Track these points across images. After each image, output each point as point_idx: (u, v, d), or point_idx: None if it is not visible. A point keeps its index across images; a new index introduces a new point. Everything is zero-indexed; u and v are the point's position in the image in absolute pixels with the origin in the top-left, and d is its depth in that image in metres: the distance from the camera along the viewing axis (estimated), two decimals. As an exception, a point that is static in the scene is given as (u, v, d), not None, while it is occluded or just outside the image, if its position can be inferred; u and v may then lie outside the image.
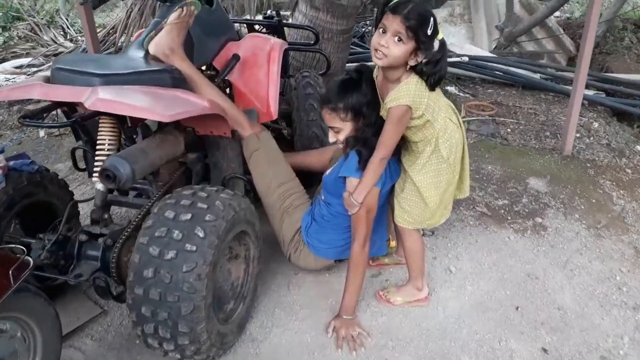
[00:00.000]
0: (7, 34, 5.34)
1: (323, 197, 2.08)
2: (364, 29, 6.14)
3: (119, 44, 4.59)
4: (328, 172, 2.07)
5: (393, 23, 1.62)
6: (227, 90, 2.54)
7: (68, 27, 5.30)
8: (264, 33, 3.01)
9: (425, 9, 1.65)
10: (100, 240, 1.82)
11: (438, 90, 1.80)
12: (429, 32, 1.62)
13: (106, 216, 1.86)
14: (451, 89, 4.79)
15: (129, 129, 1.85)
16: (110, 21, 5.44)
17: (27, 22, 5.33)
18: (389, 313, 2.06)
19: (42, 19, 5.32)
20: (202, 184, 2.33)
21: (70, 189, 2.21)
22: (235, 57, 2.38)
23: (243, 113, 2.17)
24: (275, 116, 2.41)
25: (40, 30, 5.15)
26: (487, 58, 5.05)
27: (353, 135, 1.88)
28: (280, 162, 2.19)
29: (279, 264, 2.28)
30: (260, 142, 2.15)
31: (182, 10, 2.02)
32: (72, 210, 2.00)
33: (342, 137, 1.91)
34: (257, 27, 3.06)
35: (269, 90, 2.39)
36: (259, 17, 4.87)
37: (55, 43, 4.93)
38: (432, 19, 1.63)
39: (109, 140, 1.83)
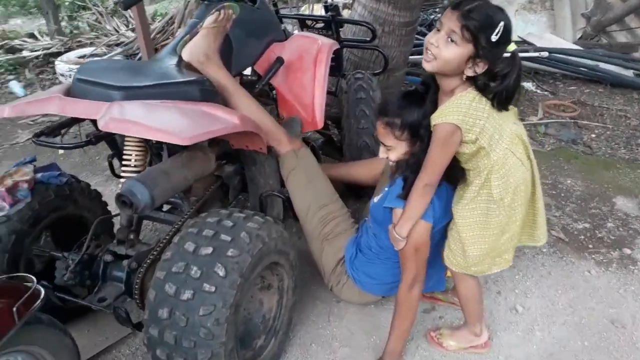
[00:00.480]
0: (73, 23, 5.45)
1: (370, 225, 1.83)
2: (432, 17, 5.71)
3: (176, 35, 4.52)
4: (376, 199, 1.81)
5: (450, 20, 1.34)
6: (273, 94, 2.35)
7: (131, 17, 5.30)
8: (318, 29, 2.78)
9: (497, 11, 1.35)
10: (125, 262, 1.69)
11: (508, 114, 1.48)
12: (494, 37, 1.32)
13: (132, 236, 1.73)
14: (528, 85, 4.34)
15: (155, 145, 1.69)
16: (172, 9, 5.39)
17: (92, 12, 5.41)
18: (440, 359, 1.80)
19: (106, 8, 5.38)
20: (240, 197, 2.18)
21: (105, 198, 2.11)
22: (279, 61, 2.16)
23: (282, 128, 1.95)
24: (320, 126, 2.19)
25: (105, 20, 5.20)
26: (570, 51, 4.51)
27: (405, 159, 1.62)
28: (321, 182, 1.96)
29: (320, 288, 2.07)
30: (298, 160, 1.92)
31: (220, 13, 1.83)
32: (102, 225, 1.88)
33: (393, 156, 1.65)
34: (309, 22, 2.82)
35: (315, 97, 2.16)
36: (319, 6, 4.63)
37: (117, 32, 4.95)
38: (502, 24, 1.32)
39: (136, 156, 1.69)
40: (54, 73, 4.50)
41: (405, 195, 1.55)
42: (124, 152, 1.70)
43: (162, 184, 1.53)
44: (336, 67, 2.60)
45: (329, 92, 2.49)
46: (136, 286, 1.60)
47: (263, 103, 2.25)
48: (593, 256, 2.28)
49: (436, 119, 1.44)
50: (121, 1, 1.77)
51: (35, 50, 4.82)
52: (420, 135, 1.56)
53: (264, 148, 1.85)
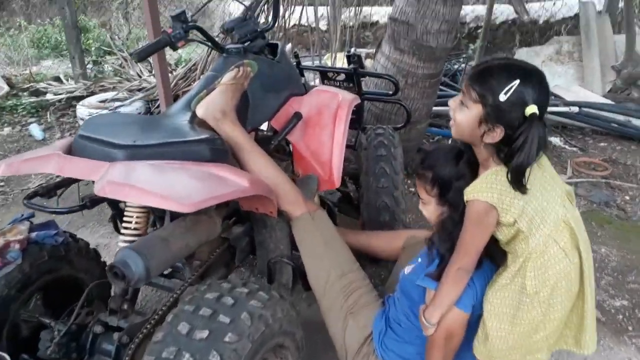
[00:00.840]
0: (98, 68, 5.54)
1: (398, 298, 1.65)
2: (456, 67, 5.65)
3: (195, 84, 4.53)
4: (407, 270, 1.63)
5: (464, 80, 1.28)
6: (289, 148, 2.24)
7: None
8: (339, 81, 2.70)
9: (516, 69, 1.22)
10: (116, 335, 1.54)
11: (556, 193, 1.31)
12: (502, 97, 1.19)
13: (126, 306, 1.59)
14: (555, 140, 4.17)
15: (157, 208, 1.57)
16: (195, 56, 5.45)
17: (116, 57, 5.49)
18: None
19: (130, 54, 5.46)
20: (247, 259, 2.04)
21: (112, 249, 1.99)
22: (297, 116, 2.06)
23: (297, 189, 1.83)
24: (337, 185, 2.06)
25: (128, 65, 5.27)
26: (600, 106, 4.36)
27: (436, 231, 1.47)
28: (340, 247, 1.79)
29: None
30: (314, 223, 1.77)
31: (239, 70, 1.76)
32: (97, 289, 1.75)
33: (426, 212, 1.55)
34: (330, 74, 2.74)
35: (333, 154, 2.04)
36: (341, 55, 4.60)
37: (140, 77, 4.99)
38: (515, 82, 1.18)
39: (137, 218, 1.57)
40: (75, 117, 4.52)
41: (437, 275, 1.39)
42: (125, 213, 1.58)
43: (160, 253, 1.40)
44: (356, 120, 2.50)
45: (347, 146, 2.39)
46: (125, 365, 1.45)
47: (278, 159, 2.14)
48: (634, 340, 2.05)
49: (469, 193, 1.29)
50: (135, 53, 1.71)
51: (59, 94, 4.87)
52: (448, 198, 1.44)
53: (274, 212, 1.72)
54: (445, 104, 4.72)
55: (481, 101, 1.22)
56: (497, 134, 1.23)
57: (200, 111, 1.71)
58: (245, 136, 1.76)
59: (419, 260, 1.58)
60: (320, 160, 2.08)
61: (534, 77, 1.22)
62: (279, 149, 2.20)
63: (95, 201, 1.38)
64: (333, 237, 1.81)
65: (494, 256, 1.39)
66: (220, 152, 1.57)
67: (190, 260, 1.76)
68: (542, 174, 1.30)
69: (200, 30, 1.83)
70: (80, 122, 4.39)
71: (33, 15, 8.17)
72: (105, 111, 4.36)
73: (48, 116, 4.63)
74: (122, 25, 7.05)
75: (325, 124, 2.09)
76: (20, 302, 1.63)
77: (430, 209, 1.52)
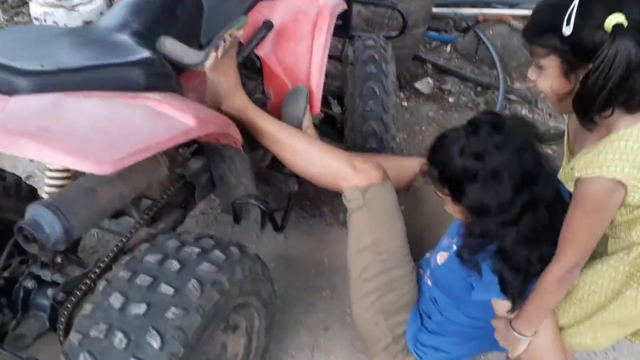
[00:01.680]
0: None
1: (430, 283, 1.39)
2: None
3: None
4: (439, 258, 1.34)
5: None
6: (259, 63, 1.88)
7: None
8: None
9: None
10: (50, 292, 1.33)
11: None
12: (567, 29, 0.91)
13: (60, 259, 1.35)
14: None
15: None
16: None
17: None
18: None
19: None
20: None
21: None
22: (267, 26, 1.69)
23: (344, 156, 1.49)
24: (317, 111, 1.76)
25: (89, -47, 4.61)
26: None
27: (468, 233, 1.18)
28: (392, 237, 1.42)
29: (308, 309, 1.72)
30: (364, 201, 1.39)
31: (219, 48, 1.35)
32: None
33: (449, 211, 1.23)
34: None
35: (311, 73, 1.71)
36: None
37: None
38: (575, 1, 0.90)
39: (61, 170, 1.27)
40: (29, 16, 4.01)
41: (513, 295, 1.13)
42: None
43: (84, 209, 1.13)
44: (343, 26, 2.12)
45: (331, 57, 2.03)
46: (61, 325, 1.25)
47: (245, 77, 1.81)
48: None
49: (582, 170, 0.97)
50: None
51: (10, -14, 4.28)
52: (464, 203, 1.14)
53: (238, 143, 1.44)
54: (445, 5, 4.16)
55: (550, 50, 0.96)
56: (582, 69, 0.95)
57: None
58: (260, 113, 1.54)
59: (455, 247, 1.26)
60: (297, 79, 1.75)
61: None
62: (246, 64, 1.85)
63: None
64: (388, 219, 1.43)
65: None
66: (160, 76, 1.26)
67: (137, 200, 1.50)
68: None
69: None
70: (35, 22, 3.89)
71: None
72: (62, 10, 3.85)
73: (0, 15, 4.11)
74: None
75: (302, 35, 1.72)
76: None
77: (450, 208, 1.22)
